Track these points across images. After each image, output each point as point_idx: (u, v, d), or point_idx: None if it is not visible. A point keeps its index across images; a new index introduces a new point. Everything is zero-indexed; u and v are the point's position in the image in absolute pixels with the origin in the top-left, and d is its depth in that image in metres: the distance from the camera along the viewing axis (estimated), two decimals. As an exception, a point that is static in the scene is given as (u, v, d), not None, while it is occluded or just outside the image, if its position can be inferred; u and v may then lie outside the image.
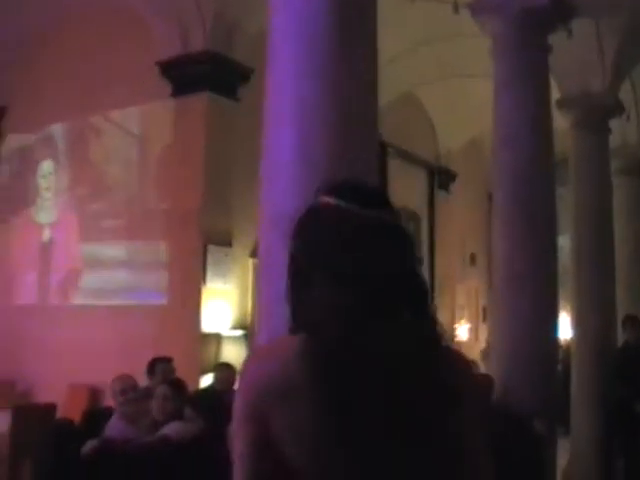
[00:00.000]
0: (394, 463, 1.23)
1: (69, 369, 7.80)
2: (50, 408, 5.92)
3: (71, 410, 6.70)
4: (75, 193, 8.62)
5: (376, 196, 1.40)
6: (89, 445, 4.53)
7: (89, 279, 8.22)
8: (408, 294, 1.32)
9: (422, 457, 1.24)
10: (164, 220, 7.49)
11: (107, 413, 5.23)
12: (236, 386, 1.40)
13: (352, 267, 1.29)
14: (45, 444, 5.10)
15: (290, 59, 3.02)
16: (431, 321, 1.33)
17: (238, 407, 1.31)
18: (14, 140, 9.34)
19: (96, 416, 5.48)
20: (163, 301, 7.34)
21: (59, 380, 7.60)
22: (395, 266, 1.31)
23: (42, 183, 8.98)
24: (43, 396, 7.75)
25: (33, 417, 5.65)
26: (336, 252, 1.30)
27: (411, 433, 1.23)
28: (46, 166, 8.99)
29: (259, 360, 1.39)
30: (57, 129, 8.94)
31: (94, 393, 7.56)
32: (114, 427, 4.89)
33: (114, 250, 7.99)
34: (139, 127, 8.15)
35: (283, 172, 3.00)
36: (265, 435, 1.25)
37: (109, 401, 7.07)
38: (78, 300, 8.28)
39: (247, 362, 1.40)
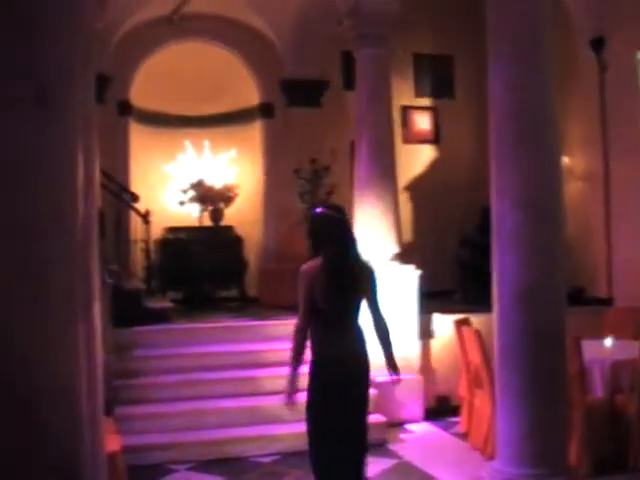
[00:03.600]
0: (349, 295, 4.21)
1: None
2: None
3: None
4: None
5: (339, 208, 4.34)
6: None
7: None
8: (351, 243, 4.27)
9: (356, 293, 4.22)
10: None
11: None
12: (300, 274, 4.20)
13: (333, 237, 4.20)
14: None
15: None
16: (359, 253, 4.29)
17: (301, 282, 4.16)
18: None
19: None
20: None
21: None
22: (345, 236, 4.26)
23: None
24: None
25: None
26: (329, 232, 4.20)
27: (354, 286, 4.20)
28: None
29: (307, 265, 4.20)
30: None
31: None
32: None
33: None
34: None
35: None
36: (310, 292, 4.12)
37: None
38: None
39: (303, 267, 4.21)
